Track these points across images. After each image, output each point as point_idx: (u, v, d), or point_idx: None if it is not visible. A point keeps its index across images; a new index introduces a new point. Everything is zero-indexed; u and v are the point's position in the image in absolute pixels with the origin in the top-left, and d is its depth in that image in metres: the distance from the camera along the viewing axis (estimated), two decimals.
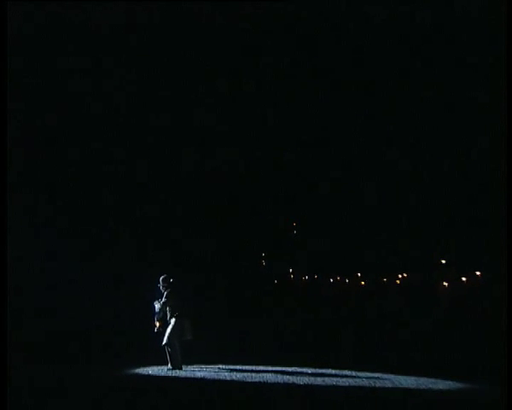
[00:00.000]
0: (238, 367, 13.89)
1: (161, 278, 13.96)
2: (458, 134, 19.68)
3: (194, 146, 20.90)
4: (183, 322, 13.52)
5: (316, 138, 20.93)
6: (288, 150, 21.07)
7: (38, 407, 10.00)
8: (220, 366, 14.06)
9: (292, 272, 21.39)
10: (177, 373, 13.10)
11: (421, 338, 16.64)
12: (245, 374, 13.01)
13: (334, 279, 20.82)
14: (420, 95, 20.11)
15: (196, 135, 20.83)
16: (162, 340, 13.52)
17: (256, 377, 12.61)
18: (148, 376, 12.95)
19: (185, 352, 13.63)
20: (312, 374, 13.26)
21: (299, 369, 13.82)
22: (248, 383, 12.17)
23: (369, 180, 20.62)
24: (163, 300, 13.71)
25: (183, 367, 13.46)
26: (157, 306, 13.79)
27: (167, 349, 13.46)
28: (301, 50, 20.50)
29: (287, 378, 12.62)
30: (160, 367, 13.61)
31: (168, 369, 13.37)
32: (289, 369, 13.77)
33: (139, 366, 13.82)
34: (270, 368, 13.79)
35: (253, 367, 13.90)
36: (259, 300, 18.89)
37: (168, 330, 13.53)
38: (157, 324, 13.70)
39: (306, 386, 11.92)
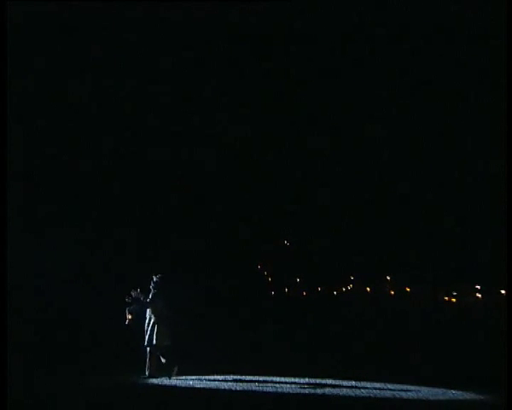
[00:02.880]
0: (237, 378, 13.77)
1: (157, 277, 13.82)
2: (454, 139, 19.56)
3: (192, 148, 20.91)
4: (161, 327, 13.48)
5: (312, 144, 20.80)
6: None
7: None
8: (217, 377, 13.96)
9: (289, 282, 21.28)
10: (162, 382, 13.05)
11: (422, 348, 16.59)
12: (244, 384, 13.01)
13: (331, 287, 20.74)
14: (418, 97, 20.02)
15: (196, 139, 20.81)
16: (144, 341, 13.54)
17: (256, 388, 12.64)
18: (146, 384, 12.97)
19: (182, 361, 13.66)
20: (312, 385, 13.20)
21: (297, 380, 13.73)
22: (248, 392, 12.24)
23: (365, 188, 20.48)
24: (149, 298, 13.60)
25: (174, 377, 13.40)
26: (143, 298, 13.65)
27: (148, 354, 13.48)
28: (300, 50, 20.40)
29: (286, 389, 12.61)
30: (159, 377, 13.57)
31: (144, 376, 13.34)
32: (287, 380, 13.70)
33: (138, 375, 13.77)
34: (268, 378, 13.73)
35: (252, 377, 13.80)
36: (258, 309, 18.84)
37: (147, 333, 13.55)
38: (129, 316, 13.68)
39: (305, 397, 11.94)
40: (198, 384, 13.06)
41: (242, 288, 19.44)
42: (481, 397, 12.10)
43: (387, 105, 20.60)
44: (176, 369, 13.49)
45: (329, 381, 13.63)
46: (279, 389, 12.61)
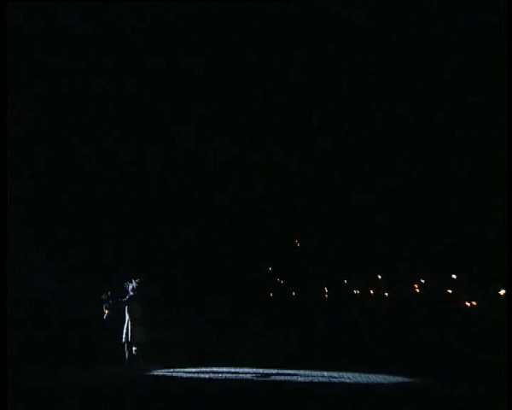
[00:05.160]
0: (231, 370, 14.09)
1: (136, 281, 15.03)
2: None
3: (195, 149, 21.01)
4: (135, 326, 14.71)
5: (314, 148, 20.75)
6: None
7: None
8: (213, 369, 14.23)
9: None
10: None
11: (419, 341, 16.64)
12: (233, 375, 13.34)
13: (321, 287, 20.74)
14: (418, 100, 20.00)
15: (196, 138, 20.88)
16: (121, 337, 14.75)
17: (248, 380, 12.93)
18: (140, 379, 13.39)
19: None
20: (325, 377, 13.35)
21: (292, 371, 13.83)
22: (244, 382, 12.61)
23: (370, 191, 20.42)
24: (126, 299, 14.84)
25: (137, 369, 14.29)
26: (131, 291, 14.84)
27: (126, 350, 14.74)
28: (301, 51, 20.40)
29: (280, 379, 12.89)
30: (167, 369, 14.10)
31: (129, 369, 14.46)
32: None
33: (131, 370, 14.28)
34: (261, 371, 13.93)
35: (246, 370, 14.07)
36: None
37: (124, 331, 14.78)
38: (106, 311, 14.82)
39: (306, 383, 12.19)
40: (194, 376, 13.45)
41: (251, 290, 19.63)
42: (484, 391, 11.88)
43: None
44: (140, 361, 14.60)
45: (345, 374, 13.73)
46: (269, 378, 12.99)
